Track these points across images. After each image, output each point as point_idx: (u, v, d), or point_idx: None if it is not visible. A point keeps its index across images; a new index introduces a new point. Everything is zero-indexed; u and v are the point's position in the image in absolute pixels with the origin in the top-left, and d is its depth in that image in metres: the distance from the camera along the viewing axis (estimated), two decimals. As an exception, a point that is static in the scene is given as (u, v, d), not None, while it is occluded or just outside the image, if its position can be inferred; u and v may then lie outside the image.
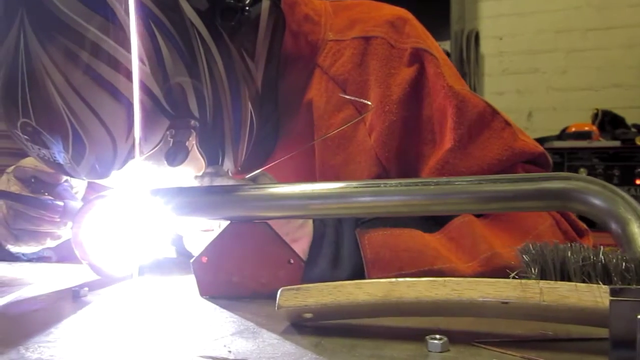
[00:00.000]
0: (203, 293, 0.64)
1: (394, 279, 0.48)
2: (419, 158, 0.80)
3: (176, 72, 0.62)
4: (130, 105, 0.59)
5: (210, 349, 0.45)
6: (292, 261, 0.62)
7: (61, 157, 0.61)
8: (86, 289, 0.64)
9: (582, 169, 2.33)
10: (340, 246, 0.73)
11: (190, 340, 0.47)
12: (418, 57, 0.80)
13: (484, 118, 0.78)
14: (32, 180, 0.78)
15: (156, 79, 0.61)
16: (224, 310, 0.58)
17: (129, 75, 0.58)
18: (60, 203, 0.75)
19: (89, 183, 0.86)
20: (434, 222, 0.75)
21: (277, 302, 0.49)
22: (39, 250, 0.86)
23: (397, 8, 0.87)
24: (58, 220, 0.77)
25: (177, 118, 0.64)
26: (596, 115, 2.57)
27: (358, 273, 0.72)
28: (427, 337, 0.44)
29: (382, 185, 0.60)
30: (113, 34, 0.58)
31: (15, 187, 0.78)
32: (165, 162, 0.66)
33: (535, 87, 2.89)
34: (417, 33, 0.83)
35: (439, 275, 0.69)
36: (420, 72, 0.80)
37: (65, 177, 0.79)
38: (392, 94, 0.79)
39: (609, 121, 2.51)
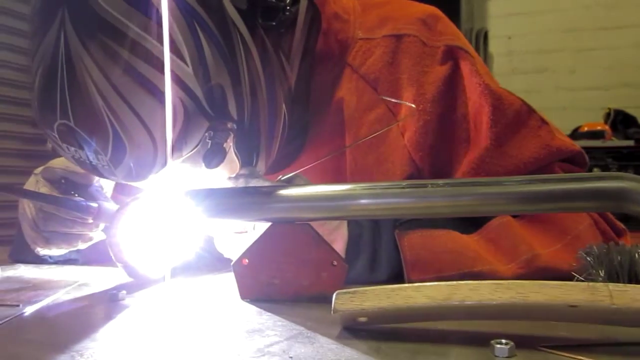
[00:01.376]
0: (243, 296, 0.63)
1: (454, 282, 0.46)
2: (452, 157, 0.79)
3: (217, 73, 0.61)
4: (172, 107, 0.58)
5: (269, 354, 0.43)
6: (335, 263, 0.61)
7: (99, 159, 0.60)
8: (124, 292, 0.63)
9: (595, 169, 2.32)
10: (378, 248, 0.72)
11: (245, 346, 0.46)
12: (452, 55, 0.79)
13: (521, 116, 0.77)
14: (62, 181, 0.77)
15: (198, 80, 0.59)
16: (270, 314, 0.56)
17: (172, 75, 0.57)
18: (94, 204, 0.73)
19: (115, 184, 0.85)
20: (469, 223, 0.74)
21: (332, 305, 0.48)
22: (66, 252, 0.85)
23: (427, 5, 0.86)
24: (91, 222, 0.76)
25: (216, 120, 0.63)
26: (608, 114, 2.56)
27: (395, 275, 0.71)
28: (492, 341, 0.43)
29: (429, 186, 0.59)
30: (156, 34, 0.56)
31: (44, 189, 0.77)
32: (203, 164, 0.65)
33: (545, 86, 2.88)
34: (450, 30, 0.82)
35: (478, 278, 0.68)
36: (454, 70, 0.79)
37: (96, 178, 0.77)
38: (425, 92, 0.78)
39: (620, 120, 2.51)
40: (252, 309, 0.59)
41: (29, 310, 0.58)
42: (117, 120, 0.57)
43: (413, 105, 0.62)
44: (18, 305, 0.60)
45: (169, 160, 0.60)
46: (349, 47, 0.83)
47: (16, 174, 2.89)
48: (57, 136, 0.61)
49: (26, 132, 2.96)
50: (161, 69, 0.57)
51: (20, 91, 2.89)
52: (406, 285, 0.48)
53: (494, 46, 3.07)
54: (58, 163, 0.78)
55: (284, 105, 0.74)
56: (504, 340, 0.43)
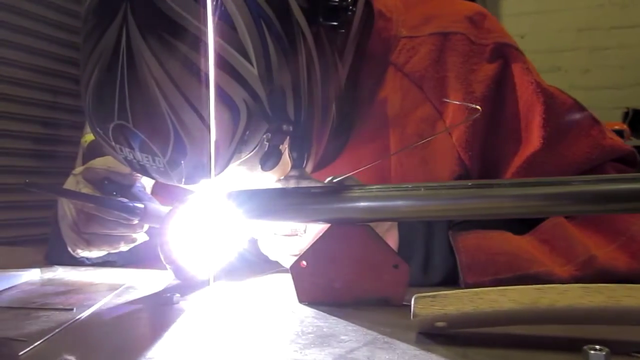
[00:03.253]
0: (302, 299, 0.61)
1: (540, 285, 0.45)
2: (502, 157, 0.78)
3: (280, 74, 0.60)
4: (235, 108, 0.56)
5: (355, 361, 0.42)
6: (398, 266, 0.60)
7: (155, 160, 0.58)
8: (178, 295, 0.62)
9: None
10: (431, 250, 0.71)
11: (324, 352, 0.45)
12: (501, 53, 0.78)
13: (573, 115, 0.76)
14: (105, 182, 0.75)
15: (262, 81, 0.58)
16: (337, 318, 0.55)
17: (237, 76, 0.55)
18: (141, 205, 0.72)
19: (154, 185, 0.84)
20: (519, 223, 0.73)
21: (412, 310, 0.47)
22: (104, 254, 0.83)
23: (472, 3, 0.85)
24: (135, 223, 0.74)
25: (275, 121, 0.61)
26: (626, 114, 2.54)
27: (449, 277, 0.70)
28: (585, 347, 0.42)
29: (494, 186, 0.58)
30: (222, 33, 0.55)
31: (86, 190, 0.75)
32: (259, 166, 0.64)
33: (558, 85, 2.82)
34: (498, 28, 0.81)
35: (535, 280, 0.67)
36: (503, 68, 0.77)
37: (140, 178, 0.76)
38: (474, 91, 0.77)
39: (638, 120, 2.49)
40: (314, 313, 0.57)
41: (84, 314, 0.56)
42: (179, 121, 0.55)
43: (478, 107, 0.60)
44: (72, 309, 0.59)
45: (229, 163, 0.59)
46: (392, 45, 0.82)
47: (27, 173, 2.88)
48: (110, 137, 0.59)
49: (37, 132, 2.94)
50: (227, 69, 0.55)
51: (31, 91, 2.88)
52: (489, 289, 0.46)
53: (506, 45, 3.04)
54: (100, 163, 0.76)
55: (334, 106, 0.72)
56: (597, 346, 0.42)
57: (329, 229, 0.61)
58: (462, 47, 0.78)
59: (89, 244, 0.77)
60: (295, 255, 0.70)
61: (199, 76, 0.54)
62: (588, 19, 2.96)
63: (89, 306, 0.60)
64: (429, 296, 0.47)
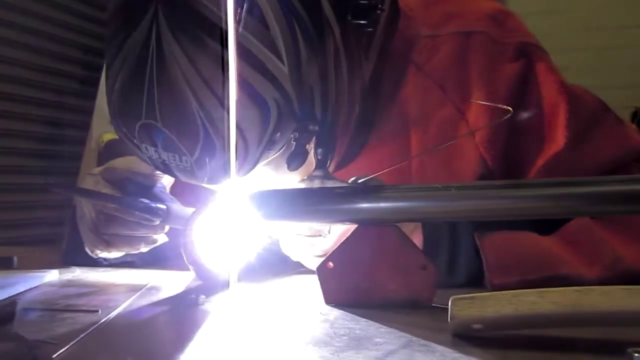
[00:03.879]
0: (328, 301, 0.61)
1: (581, 287, 0.44)
2: (525, 157, 0.77)
3: (310, 73, 0.59)
4: (265, 107, 0.56)
5: (394, 364, 0.41)
6: (426, 267, 0.59)
7: (182, 160, 0.57)
8: (203, 296, 0.61)
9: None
10: (456, 251, 0.70)
11: (362, 355, 0.44)
12: (525, 52, 0.77)
13: (597, 115, 0.75)
14: (126, 182, 0.74)
15: (292, 80, 0.57)
16: (367, 320, 0.54)
17: (268, 74, 0.55)
18: (163, 206, 0.71)
19: (174, 185, 0.83)
20: (543, 224, 0.72)
21: (449, 312, 0.46)
22: (122, 255, 0.83)
23: (493, 2, 0.84)
24: (157, 224, 0.74)
25: (303, 121, 0.61)
26: (635, 113, 2.53)
27: (473, 278, 0.69)
28: (630, 349, 0.41)
29: (525, 186, 0.57)
30: (254, 30, 0.54)
31: (105, 190, 0.74)
32: (286, 166, 0.63)
33: (565, 85, 2.84)
34: (521, 27, 0.80)
35: (562, 281, 0.66)
36: (527, 68, 0.77)
37: (161, 179, 0.75)
38: (497, 90, 0.76)
39: (648, 120, 2.47)
40: (343, 315, 0.56)
41: (110, 316, 0.56)
42: (209, 120, 0.54)
43: (509, 108, 0.59)
44: (97, 311, 0.58)
45: (257, 163, 0.58)
46: (413, 44, 0.81)
47: (31, 173, 2.88)
48: (136, 136, 0.58)
49: (41, 132, 2.94)
50: (258, 67, 0.54)
51: (35, 90, 2.87)
52: (527, 290, 0.45)
53: (512, 45, 3.02)
54: (120, 163, 0.75)
55: (357, 106, 0.71)
56: (641, 349, 0.41)
57: (356, 229, 0.60)
58: (485, 46, 0.78)
59: (108, 245, 0.76)
60: (319, 256, 0.69)
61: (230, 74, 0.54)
62: (595, 18, 2.94)
63: (113, 308, 0.59)
64: (466, 298, 0.46)
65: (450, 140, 0.77)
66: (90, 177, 0.79)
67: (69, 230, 0.89)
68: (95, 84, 3.04)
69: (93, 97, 3.02)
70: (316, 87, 0.60)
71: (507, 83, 0.76)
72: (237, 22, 0.53)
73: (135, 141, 0.59)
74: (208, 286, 0.68)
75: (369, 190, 0.59)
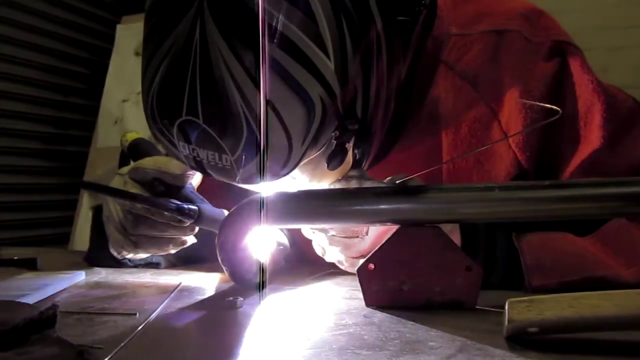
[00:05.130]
0: (369, 302, 0.59)
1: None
2: (558, 158, 0.76)
3: (354, 70, 0.57)
4: (311, 104, 0.54)
5: (456, 369, 0.40)
6: (471, 268, 0.58)
7: (222, 158, 0.56)
8: (241, 299, 0.60)
9: None
10: (493, 251, 0.69)
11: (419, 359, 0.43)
12: (559, 51, 0.76)
13: (634, 114, 0.74)
14: (155, 182, 0.73)
15: (337, 76, 0.56)
16: (414, 323, 0.53)
17: (314, 70, 0.53)
18: (195, 207, 0.70)
19: (202, 184, 0.82)
20: (579, 225, 0.71)
21: (507, 315, 0.45)
22: (148, 256, 0.81)
23: (525, 0, 0.83)
24: (186, 225, 0.72)
25: (345, 119, 0.59)
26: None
27: (510, 279, 0.68)
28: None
29: (571, 186, 0.56)
30: (302, 24, 0.53)
31: (134, 190, 0.73)
32: (325, 165, 0.62)
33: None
34: (555, 25, 0.79)
35: (601, 283, 0.65)
36: (562, 66, 0.75)
37: (192, 178, 0.74)
38: (531, 90, 0.75)
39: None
40: (389, 317, 0.55)
41: (150, 319, 0.54)
42: (253, 116, 0.53)
43: (558, 109, 0.58)
44: (135, 314, 0.57)
45: (299, 163, 0.57)
46: (442, 43, 0.80)
47: (37, 173, 2.86)
48: (174, 133, 0.57)
49: (47, 132, 2.93)
50: (304, 63, 0.53)
51: (41, 90, 2.86)
52: (588, 293, 0.44)
53: (520, 45, 3.01)
54: (149, 163, 0.74)
55: (392, 105, 0.70)
56: None
57: (397, 230, 0.59)
58: (518, 45, 0.76)
59: (136, 245, 0.75)
60: (355, 258, 0.68)
61: (277, 70, 0.52)
62: (605, 18, 2.93)
63: (150, 310, 0.58)
64: (524, 301, 0.45)
65: (484, 142, 0.76)
66: (118, 177, 0.78)
67: (94, 231, 0.88)
68: (100, 84, 3.03)
69: (98, 97, 3.01)
70: (359, 85, 0.59)
71: (541, 82, 0.75)
72: (283, 16, 0.52)
73: (172, 139, 0.58)
74: (242, 288, 0.67)
75: (412, 191, 0.58)
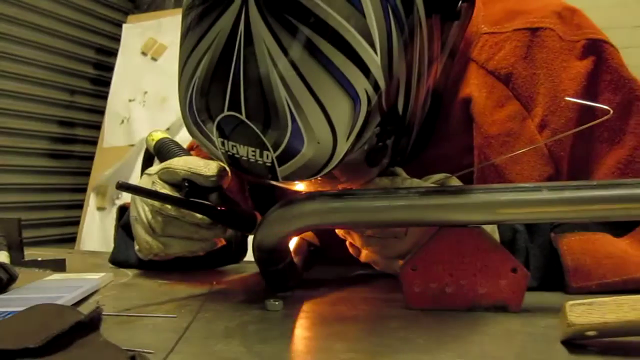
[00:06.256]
0: (412, 304, 0.58)
1: None
2: (592, 157, 0.75)
3: (399, 65, 0.57)
4: (357, 98, 0.53)
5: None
6: (517, 270, 0.57)
7: (263, 155, 0.54)
8: (280, 301, 0.59)
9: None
10: (531, 252, 0.68)
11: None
12: (594, 49, 0.75)
13: (671, 114, 0.73)
14: (186, 183, 0.72)
15: (384, 72, 0.54)
16: (463, 326, 0.52)
17: (361, 64, 0.52)
18: (227, 209, 0.68)
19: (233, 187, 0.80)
20: (615, 225, 0.70)
21: (567, 318, 0.44)
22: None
23: None
24: (218, 227, 0.71)
25: (387, 115, 0.58)
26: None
27: (547, 281, 0.67)
28: None
29: (622, 186, 0.55)
30: (350, 17, 0.51)
31: (163, 191, 0.72)
32: (365, 162, 0.61)
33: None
34: (589, 23, 0.78)
35: (641, 284, 0.65)
36: (597, 65, 0.74)
37: (223, 180, 0.72)
38: (566, 88, 0.74)
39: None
40: (434, 320, 0.54)
41: (192, 321, 0.53)
42: (298, 111, 0.52)
43: (608, 108, 0.57)
44: (174, 316, 0.56)
45: (342, 160, 0.55)
46: (472, 41, 0.79)
47: (43, 173, 2.85)
48: (214, 130, 0.56)
49: (54, 132, 2.91)
50: (351, 56, 0.51)
51: (48, 90, 2.85)
52: (651, 295, 0.43)
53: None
54: (180, 164, 0.73)
55: (429, 102, 0.69)
56: None
57: (440, 231, 0.58)
58: (552, 43, 0.75)
59: (165, 247, 0.74)
60: (390, 258, 0.67)
61: (324, 63, 0.51)
62: (611, 18, 2.93)
63: (189, 312, 0.57)
64: (584, 304, 0.44)
65: (517, 140, 0.75)
66: (146, 177, 0.76)
67: (119, 232, 0.87)
68: (107, 84, 3.02)
69: (105, 96, 3.00)
70: (402, 81, 0.58)
71: (576, 81, 0.74)
72: (331, 8, 0.50)
73: (211, 136, 0.57)
74: (277, 287, 0.67)
75: (456, 191, 0.57)
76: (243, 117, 0.53)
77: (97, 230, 2.75)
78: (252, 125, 0.53)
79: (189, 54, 0.55)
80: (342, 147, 0.54)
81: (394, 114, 0.59)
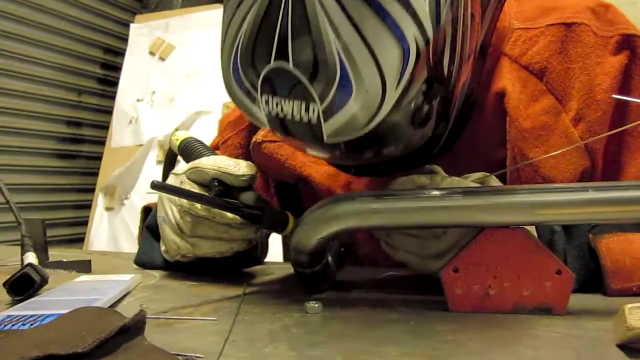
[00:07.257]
0: (454, 307, 0.57)
1: None
2: (624, 151, 0.75)
3: (446, 16, 0.54)
4: (406, 45, 0.51)
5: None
6: (561, 272, 0.56)
7: (310, 109, 0.52)
8: (320, 303, 0.58)
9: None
10: (569, 254, 0.67)
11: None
12: (628, 44, 0.74)
13: None
14: (215, 183, 0.71)
15: (432, 20, 0.52)
16: (512, 330, 0.51)
17: (409, 8, 0.50)
18: (258, 209, 0.67)
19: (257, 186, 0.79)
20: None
21: (627, 322, 0.43)
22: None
23: None
24: (249, 227, 0.70)
25: (433, 72, 0.55)
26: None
27: (585, 283, 0.66)
28: None
29: (669, 186, 0.54)
30: None
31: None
32: (409, 123, 0.57)
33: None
34: (622, 19, 0.77)
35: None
36: (631, 60, 0.74)
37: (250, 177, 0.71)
38: (601, 83, 0.74)
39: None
40: (480, 322, 0.53)
41: (233, 324, 0.52)
42: (347, 56, 0.50)
43: None
44: (215, 319, 0.55)
45: (391, 112, 0.52)
46: (505, 36, 0.78)
47: (50, 173, 2.85)
48: (258, 87, 0.54)
49: (61, 132, 2.91)
50: (402, 1, 0.49)
51: (56, 90, 2.84)
52: None
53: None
54: (209, 163, 0.72)
55: (468, 81, 0.67)
56: None
57: (482, 232, 0.57)
58: (586, 38, 0.75)
59: (193, 248, 0.73)
60: (427, 258, 0.66)
61: (373, 5, 0.49)
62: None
63: (228, 314, 0.56)
64: (644, 306, 0.43)
65: (551, 134, 0.74)
66: (174, 177, 0.76)
67: (145, 233, 0.86)
68: (114, 83, 3.02)
69: (112, 96, 3.00)
70: (448, 37, 0.56)
71: (610, 75, 0.73)
72: None
73: (255, 94, 0.55)
74: (313, 289, 0.66)
75: (500, 192, 0.56)
76: (290, 66, 0.51)
77: (105, 230, 2.75)
78: (299, 75, 0.51)
79: (234, 11, 0.54)
80: (391, 98, 0.52)
81: (440, 72, 0.57)
